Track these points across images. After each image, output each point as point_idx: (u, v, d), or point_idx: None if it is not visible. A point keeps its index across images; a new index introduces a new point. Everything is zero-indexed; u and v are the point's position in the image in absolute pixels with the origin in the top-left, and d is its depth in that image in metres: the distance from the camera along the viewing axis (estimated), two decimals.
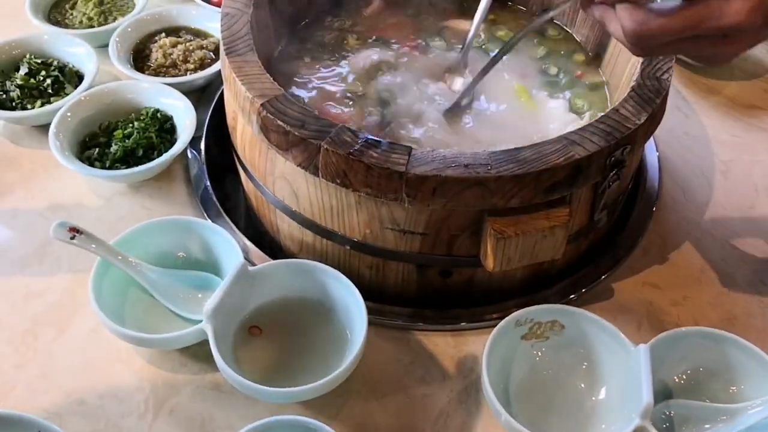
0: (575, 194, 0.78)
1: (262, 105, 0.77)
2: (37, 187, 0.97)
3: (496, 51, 0.94)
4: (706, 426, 0.75)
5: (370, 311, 0.78)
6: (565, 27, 1.03)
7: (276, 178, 0.82)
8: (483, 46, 1.01)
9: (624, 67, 0.92)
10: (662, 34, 0.64)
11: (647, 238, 0.94)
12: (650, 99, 0.80)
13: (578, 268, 0.89)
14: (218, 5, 1.13)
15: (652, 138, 0.97)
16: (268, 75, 0.80)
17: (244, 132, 0.84)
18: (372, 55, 0.97)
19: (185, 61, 1.08)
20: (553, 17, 1.00)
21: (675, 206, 0.98)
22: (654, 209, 0.97)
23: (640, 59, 0.85)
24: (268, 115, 0.76)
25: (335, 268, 0.80)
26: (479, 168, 0.73)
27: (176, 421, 0.76)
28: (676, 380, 0.78)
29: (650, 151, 1.03)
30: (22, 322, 0.83)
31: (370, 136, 0.75)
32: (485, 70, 0.88)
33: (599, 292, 0.88)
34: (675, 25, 0.63)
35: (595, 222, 0.84)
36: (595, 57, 0.99)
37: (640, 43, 0.66)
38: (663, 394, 0.77)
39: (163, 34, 1.12)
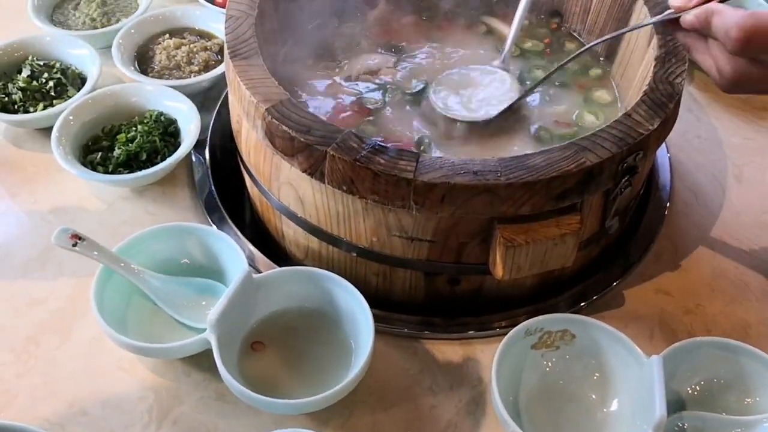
0: (586, 201, 0.77)
1: (267, 110, 0.75)
2: (40, 191, 0.96)
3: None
4: None
5: (377, 319, 0.77)
6: (573, 33, 1.02)
7: (281, 183, 0.81)
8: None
9: (636, 71, 0.90)
10: (764, 84, 0.64)
11: (659, 243, 0.92)
12: (663, 103, 0.78)
13: (589, 275, 0.88)
14: (222, 6, 1.12)
15: (663, 143, 0.96)
16: (273, 79, 0.79)
17: (249, 137, 0.83)
18: (376, 59, 0.96)
19: (189, 63, 1.07)
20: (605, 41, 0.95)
21: (687, 211, 0.97)
22: (665, 214, 0.95)
23: (652, 61, 0.83)
24: (273, 120, 0.75)
25: (341, 275, 0.79)
26: (489, 175, 0.71)
27: None
28: (690, 391, 0.77)
29: (661, 155, 1.01)
30: (24, 329, 0.82)
31: (378, 142, 0.74)
32: (526, 94, 0.89)
33: (610, 299, 0.87)
34: None
35: (606, 229, 0.83)
36: (606, 59, 0.98)
37: (735, 88, 0.66)
38: (676, 405, 0.75)
39: (167, 36, 1.10)
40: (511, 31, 0.93)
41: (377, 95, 0.92)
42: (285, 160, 0.76)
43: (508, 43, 0.93)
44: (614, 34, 0.87)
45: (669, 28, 0.73)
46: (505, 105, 0.88)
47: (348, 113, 0.90)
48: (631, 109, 0.78)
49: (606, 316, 0.83)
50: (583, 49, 0.87)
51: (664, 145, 1.01)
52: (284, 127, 0.74)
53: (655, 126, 0.76)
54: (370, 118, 0.89)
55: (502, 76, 0.92)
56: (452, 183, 0.70)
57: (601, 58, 0.98)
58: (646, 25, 0.83)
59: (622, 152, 0.74)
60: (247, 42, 0.83)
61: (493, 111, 0.88)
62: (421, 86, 0.92)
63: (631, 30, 0.88)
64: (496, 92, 0.90)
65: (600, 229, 0.82)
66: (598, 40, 0.85)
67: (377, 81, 0.94)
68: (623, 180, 0.76)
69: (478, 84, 0.91)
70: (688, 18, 0.69)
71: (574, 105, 0.93)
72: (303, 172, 0.75)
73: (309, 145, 0.73)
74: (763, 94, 0.75)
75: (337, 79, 0.94)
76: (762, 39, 0.63)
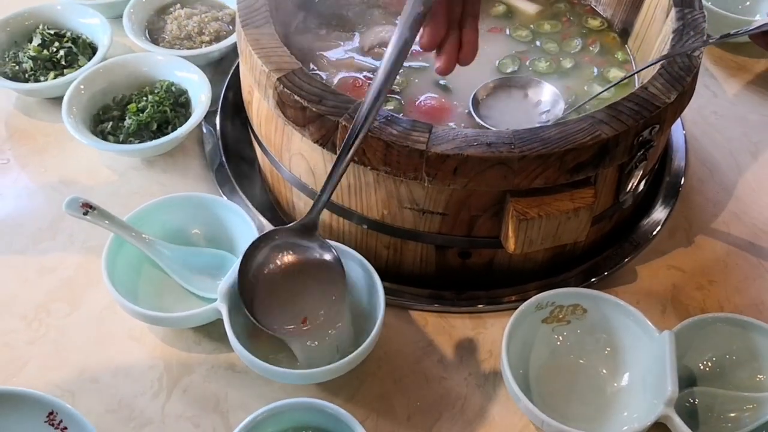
0: (601, 175, 0.76)
1: (278, 79, 0.75)
2: (51, 161, 0.96)
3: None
4: (732, 414, 0.73)
5: (388, 292, 0.77)
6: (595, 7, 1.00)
7: (292, 154, 0.80)
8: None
9: (653, 44, 0.89)
10: None
11: (672, 219, 0.91)
12: (680, 77, 0.77)
13: (601, 250, 0.87)
14: None
15: (679, 117, 0.94)
16: (285, 48, 0.78)
17: (260, 107, 0.82)
18: (390, 31, 0.94)
19: (200, 33, 1.06)
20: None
21: (702, 187, 0.96)
22: (680, 190, 0.94)
23: (670, 34, 0.82)
24: (285, 89, 0.74)
25: (352, 247, 0.79)
26: (502, 147, 0.70)
27: (190, 401, 0.75)
28: (701, 367, 0.76)
29: (677, 131, 1.00)
30: (35, 298, 0.82)
31: (390, 113, 0.73)
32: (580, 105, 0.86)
33: (622, 275, 0.86)
34: None
35: (620, 203, 0.82)
36: (622, 33, 0.96)
37: None
38: (687, 381, 0.75)
39: (178, 5, 1.09)
40: None
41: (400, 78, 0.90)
42: (296, 130, 0.76)
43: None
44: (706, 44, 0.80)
45: (759, 41, 0.70)
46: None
47: (361, 86, 0.89)
48: (647, 81, 0.77)
49: (618, 292, 0.83)
50: (646, 65, 0.83)
51: (679, 121, 1.00)
52: (296, 97, 0.73)
53: (672, 99, 0.75)
54: (394, 96, 0.88)
55: (547, 88, 0.88)
56: (465, 155, 0.70)
57: (617, 29, 0.97)
58: (740, 34, 0.77)
59: (638, 125, 0.73)
60: (259, 11, 0.82)
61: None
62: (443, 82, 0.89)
63: (729, 37, 0.80)
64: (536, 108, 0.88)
65: (614, 203, 0.81)
66: (663, 56, 0.80)
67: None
68: (639, 153, 0.75)
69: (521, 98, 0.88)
70: None
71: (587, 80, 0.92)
72: (314, 142, 0.74)
73: (321, 115, 0.72)
74: None
75: (350, 50, 0.93)
76: None
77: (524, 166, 0.70)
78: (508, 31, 0.96)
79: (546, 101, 0.87)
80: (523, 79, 0.89)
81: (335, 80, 0.90)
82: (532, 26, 0.97)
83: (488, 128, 0.83)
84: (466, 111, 0.86)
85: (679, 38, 0.81)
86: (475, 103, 0.87)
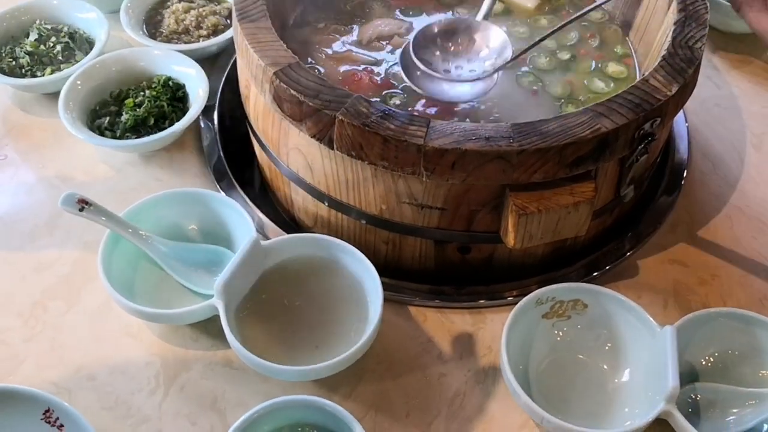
0: (601, 169, 0.75)
1: (275, 73, 0.74)
2: (48, 157, 0.95)
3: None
4: (734, 410, 0.72)
5: (386, 287, 0.76)
6: None
7: (290, 149, 0.80)
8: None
9: (654, 35, 0.88)
10: None
11: (675, 213, 0.90)
12: (682, 69, 0.76)
13: (602, 244, 0.86)
14: None
15: (681, 109, 0.93)
16: (281, 42, 0.77)
17: (257, 102, 0.81)
18: (388, 25, 0.94)
19: (198, 27, 1.05)
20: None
21: (704, 180, 0.95)
22: (682, 183, 0.93)
23: (672, 26, 0.81)
24: (282, 84, 0.73)
25: (350, 243, 0.78)
26: (501, 141, 0.70)
27: (187, 398, 0.74)
28: (703, 363, 0.75)
29: (679, 123, 0.99)
30: (31, 295, 0.82)
31: (387, 107, 0.72)
32: (525, 50, 0.81)
33: (624, 269, 0.85)
34: None
35: (621, 197, 0.81)
36: (624, 25, 0.95)
37: None
38: (689, 376, 0.74)
39: (176, 0, 1.08)
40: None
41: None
42: (293, 125, 0.75)
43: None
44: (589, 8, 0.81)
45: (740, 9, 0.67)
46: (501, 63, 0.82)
47: (360, 79, 0.88)
48: (648, 74, 0.76)
49: (619, 287, 0.82)
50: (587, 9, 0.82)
51: (682, 113, 0.99)
52: (292, 91, 0.73)
53: (674, 92, 0.74)
54: (396, 91, 0.87)
55: (495, 32, 0.84)
56: (463, 149, 0.69)
57: (618, 22, 0.96)
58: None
59: (638, 118, 0.72)
60: (256, 4, 0.81)
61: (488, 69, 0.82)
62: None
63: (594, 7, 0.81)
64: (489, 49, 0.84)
65: (615, 197, 0.81)
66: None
67: (388, 50, 0.91)
68: (639, 147, 0.75)
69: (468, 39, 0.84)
70: None
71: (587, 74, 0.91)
72: (311, 137, 0.74)
73: (317, 110, 0.72)
74: None
75: (349, 44, 0.92)
76: None
77: (523, 160, 0.70)
78: (505, 28, 0.95)
79: (494, 48, 0.84)
80: (468, 21, 0.85)
81: (340, 70, 0.88)
82: (529, 21, 0.96)
83: (430, 73, 0.80)
84: (407, 55, 0.83)
85: (681, 29, 0.80)
86: (417, 46, 0.83)
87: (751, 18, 0.64)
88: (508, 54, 0.83)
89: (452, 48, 0.84)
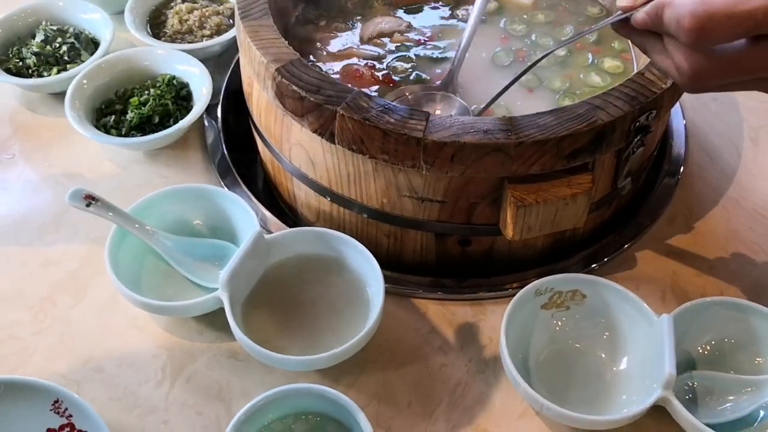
0: (598, 161, 0.76)
1: (277, 70, 0.75)
2: (54, 155, 0.97)
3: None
4: (731, 398, 0.73)
5: (388, 280, 0.77)
6: None
7: (292, 145, 0.81)
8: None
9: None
10: (725, 78, 0.59)
11: (672, 206, 0.92)
12: None
13: (601, 236, 0.87)
14: None
15: (678, 103, 0.95)
16: (283, 39, 0.79)
17: (260, 98, 0.83)
18: (388, 22, 0.95)
19: (201, 27, 1.06)
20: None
21: (702, 173, 0.96)
22: (680, 176, 0.94)
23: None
24: (283, 80, 0.75)
25: (353, 236, 0.79)
26: (499, 134, 0.71)
27: (193, 389, 0.76)
28: (700, 351, 0.76)
29: (676, 117, 1.00)
30: (40, 290, 0.83)
31: (388, 102, 0.74)
32: (516, 79, 0.80)
33: (622, 261, 0.86)
34: (743, 68, 0.58)
35: (618, 189, 0.82)
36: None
37: (696, 86, 0.60)
38: (686, 364, 0.75)
39: (179, 0, 1.10)
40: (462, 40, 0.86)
41: (403, 65, 0.90)
42: (295, 120, 0.76)
43: (462, 45, 0.85)
44: (578, 35, 0.80)
45: (621, 30, 0.65)
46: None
47: (362, 75, 0.89)
48: (644, 67, 0.77)
49: (618, 278, 0.83)
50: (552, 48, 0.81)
51: (679, 107, 1.00)
52: (294, 87, 0.74)
53: (669, 85, 0.75)
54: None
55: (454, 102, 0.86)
56: (462, 142, 0.70)
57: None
58: (596, 29, 0.74)
59: (634, 111, 0.73)
60: (258, 2, 0.82)
61: None
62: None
63: (581, 35, 0.83)
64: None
65: (612, 189, 0.82)
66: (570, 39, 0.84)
67: (390, 47, 0.92)
68: (636, 139, 0.76)
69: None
70: (639, 16, 0.62)
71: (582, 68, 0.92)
72: (313, 132, 0.75)
73: (319, 105, 0.73)
74: (726, 91, 0.63)
75: (350, 41, 0.93)
76: (716, 26, 0.56)
77: (521, 152, 0.71)
78: (502, 24, 0.96)
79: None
80: (436, 94, 0.87)
81: (339, 67, 0.90)
82: (525, 16, 0.97)
83: None
84: None
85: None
86: None
87: (655, 60, 0.64)
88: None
89: None
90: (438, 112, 0.85)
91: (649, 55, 0.64)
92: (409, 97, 0.86)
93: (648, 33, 0.63)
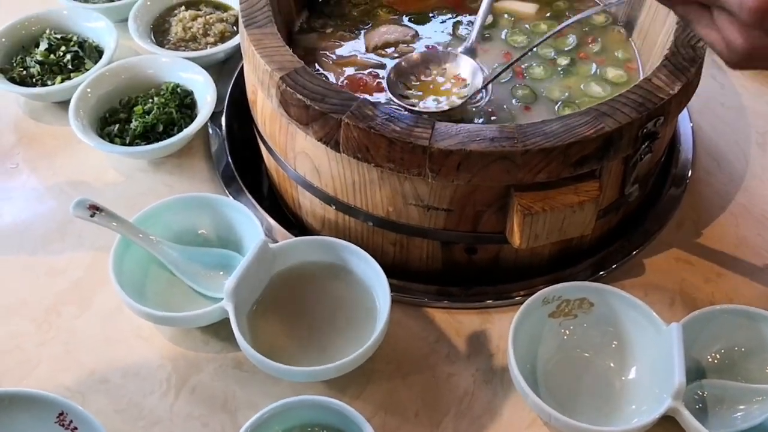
0: (605, 168, 0.75)
1: (281, 78, 0.75)
2: (59, 164, 0.97)
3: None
4: (741, 407, 0.72)
5: (394, 289, 0.77)
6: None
7: (297, 153, 0.81)
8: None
9: (657, 35, 0.88)
10: None
11: (680, 212, 0.91)
12: (684, 68, 0.77)
13: (608, 243, 0.87)
14: None
15: (685, 109, 0.94)
16: (287, 47, 0.79)
17: (264, 106, 0.83)
18: (394, 32, 0.94)
19: (205, 34, 1.06)
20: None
21: (709, 179, 0.95)
22: (687, 182, 0.94)
23: (674, 25, 0.81)
24: (288, 88, 0.74)
25: (358, 245, 0.79)
26: (505, 141, 0.70)
27: (198, 400, 0.75)
28: (710, 359, 0.76)
29: (684, 122, 0.99)
30: (44, 300, 0.83)
31: (393, 110, 0.73)
32: (517, 60, 0.83)
33: (630, 268, 0.85)
34: None
35: (626, 196, 0.81)
36: (627, 27, 0.96)
37: (746, 63, 0.59)
38: (696, 373, 0.74)
39: (183, 8, 1.10)
40: (478, 19, 0.89)
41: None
42: (300, 128, 0.76)
43: (475, 32, 0.88)
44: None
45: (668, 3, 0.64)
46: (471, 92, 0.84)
47: (366, 84, 0.89)
48: (651, 73, 0.76)
49: (626, 285, 0.83)
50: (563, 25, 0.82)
51: (686, 112, 1.00)
52: (299, 96, 0.74)
53: (676, 91, 0.75)
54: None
55: (465, 61, 0.87)
56: (468, 150, 0.70)
57: (621, 23, 0.96)
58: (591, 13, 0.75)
59: (641, 117, 0.73)
60: (262, 10, 0.82)
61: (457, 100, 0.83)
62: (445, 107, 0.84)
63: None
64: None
65: (620, 196, 0.81)
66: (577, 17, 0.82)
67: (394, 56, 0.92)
68: (643, 146, 0.75)
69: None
70: None
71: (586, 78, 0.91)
72: (318, 140, 0.75)
73: (324, 113, 0.73)
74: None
75: (355, 50, 0.93)
76: None
77: (527, 160, 0.70)
78: (503, 36, 0.95)
79: (465, 74, 0.86)
80: (440, 54, 0.88)
81: (343, 76, 0.89)
82: (527, 26, 0.96)
83: (400, 104, 0.82)
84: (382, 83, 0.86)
85: (683, 29, 0.80)
86: (391, 80, 0.85)
87: (700, 32, 0.63)
88: (479, 82, 0.85)
89: (423, 78, 0.87)
90: (446, 68, 0.86)
91: (692, 27, 0.63)
92: (414, 56, 0.87)
93: (694, 4, 0.61)
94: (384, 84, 0.86)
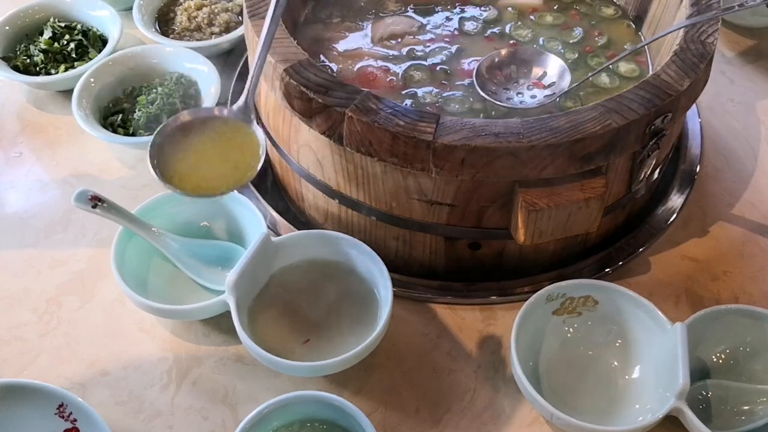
0: (612, 164, 0.74)
1: (285, 70, 0.74)
2: (62, 154, 0.96)
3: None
4: (745, 407, 0.72)
5: (397, 284, 0.76)
6: None
7: (300, 146, 0.80)
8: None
9: (667, 30, 0.87)
10: None
11: (687, 209, 0.90)
12: (694, 64, 0.76)
13: (614, 240, 0.86)
14: None
15: (694, 104, 0.93)
16: (292, 39, 0.78)
17: (268, 98, 0.82)
18: (400, 23, 0.93)
19: (210, 24, 1.05)
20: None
21: (717, 176, 0.94)
22: (695, 179, 0.93)
23: (685, 20, 0.80)
24: (291, 81, 0.74)
25: (361, 239, 0.78)
26: (510, 137, 0.69)
27: (199, 393, 0.75)
28: (714, 359, 0.75)
29: (692, 118, 0.98)
30: (46, 291, 0.83)
31: (397, 104, 0.72)
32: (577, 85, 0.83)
33: (636, 265, 0.85)
34: None
35: (632, 193, 0.81)
36: (636, 21, 0.95)
37: None
38: (700, 373, 0.74)
39: None
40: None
41: (419, 74, 0.87)
42: (303, 121, 0.75)
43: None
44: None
45: None
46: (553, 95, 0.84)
47: (375, 78, 0.88)
48: (660, 69, 0.75)
49: (631, 283, 0.82)
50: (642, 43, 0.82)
51: (694, 108, 0.98)
52: (302, 88, 0.73)
53: (685, 87, 0.73)
54: (413, 90, 0.86)
55: (553, 60, 0.87)
56: (473, 145, 0.69)
57: (631, 17, 0.95)
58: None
59: (649, 114, 0.71)
60: (266, 0, 0.81)
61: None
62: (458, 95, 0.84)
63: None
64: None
65: (626, 193, 0.80)
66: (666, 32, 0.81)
67: (402, 50, 0.90)
68: (651, 142, 0.74)
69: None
70: None
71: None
72: (321, 134, 0.74)
73: (327, 107, 0.72)
74: None
75: (361, 41, 0.92)
76: None
77: (533, 156, 0.70)
78: (508, 29, 0.94)
79: (552, 74, 0.86)
80: (528, 50, 0.88)
81: (355, 68, 0.88)
82: (533, 18, 0.95)
83: (493, 102, 0.82)
84: (471, 83, 0.85)
85: (693, 24, 0.79)
86: (480, 75, 0.85)
87: None
88: (567, 81, 0.85)
89: (512, 75, 0.87)
90: (533, 70, 0.86)
91: None
92: (503, 52, 0.87)
93: None
94: (473, 79, 0.85)
